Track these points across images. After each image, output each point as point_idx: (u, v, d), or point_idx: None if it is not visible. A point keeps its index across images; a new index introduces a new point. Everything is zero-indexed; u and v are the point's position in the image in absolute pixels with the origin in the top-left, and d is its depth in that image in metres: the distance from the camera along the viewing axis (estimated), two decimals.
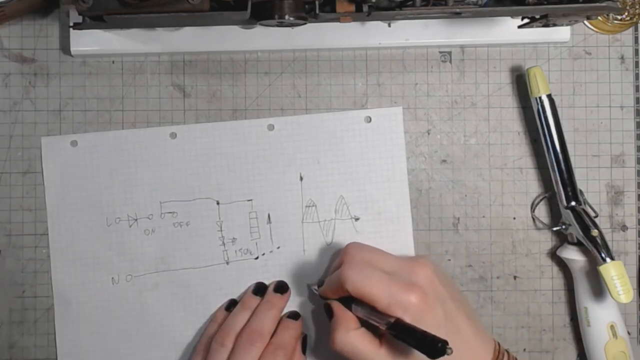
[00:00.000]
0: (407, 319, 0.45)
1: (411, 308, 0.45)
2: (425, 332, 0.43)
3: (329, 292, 0.51)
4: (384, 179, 0.56)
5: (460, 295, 0.51)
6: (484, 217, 0.57)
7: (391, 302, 0.45)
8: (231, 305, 0.55)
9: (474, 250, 0.57)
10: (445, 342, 0.42)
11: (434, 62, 0.57)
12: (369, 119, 0.57)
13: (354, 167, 0.56)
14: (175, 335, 0.56)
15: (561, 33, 0.56)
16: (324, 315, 0.52)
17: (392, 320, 0.45)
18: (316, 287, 0.53)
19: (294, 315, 0.54)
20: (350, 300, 0.49)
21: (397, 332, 0.44)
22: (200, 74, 0.57)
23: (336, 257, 0.55)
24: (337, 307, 0.50)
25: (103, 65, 0.57)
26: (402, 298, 0.45)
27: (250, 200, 0.56)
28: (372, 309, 0.46)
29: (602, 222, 0.57)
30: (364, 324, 0.48)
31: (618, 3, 0.47)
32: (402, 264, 0.49)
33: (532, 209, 0.58)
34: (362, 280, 0.46)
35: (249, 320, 0.52)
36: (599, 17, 0.57)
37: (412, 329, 0.44)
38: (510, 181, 0.58)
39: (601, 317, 0.54)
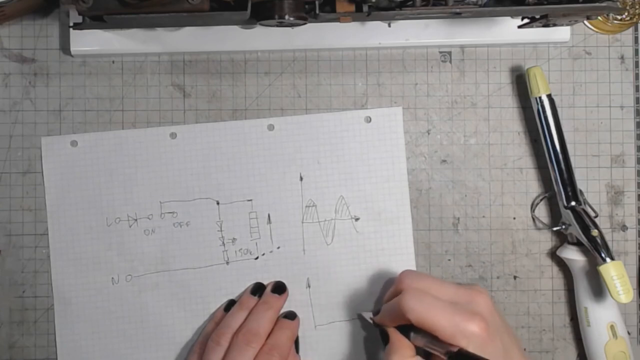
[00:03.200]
0: (470, 348, 0.44)
1: (474, 338, 0.45)
2: None
3: (387, 320, 0.50)
4: (384, 179, 0.56)
5: (510, 327, 0.50)
6: (484, 217, 0.57)
7: (455, 331, 0.45)
8: (230, 306, 0.55)
9: (474, 250, 0.57)
10: None
11: (434, 62, 0.57)
12: (369, 119, 0.57)
13: (354, 167, 0.56)
14: (175, 335, 0.56)
15: (561, 33, 0.56)
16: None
17: (455, 349, 0.44)
18: (371, 316, 0.53)
19: (290, 315, 0.54)
20: (407, 329, 0.48)
21: None
22: (200, 74, 0.57)
23: (388, 286, 0.54)
24: (393, 333, 0.49)
25: (103, 65, 0.57)
26: (465, 327, 0.45)
27: (250, 200, 0.56)
28: (432, 337, 0.46)
29: (602, 222, 0.57)
30: (419, 352, 0.48)
31: (618, 3, 0.47)
32: (460, 293, 0.48)
33: (532, 209, 0.58)
34: (424, 310, 0.46)
35: (245, 320, 0.52)
36: (599, 17, 0.57)
37: (476, 359, 0.43)
38: (510, 181, 0.58)
39: (601, 317, 0.54)
